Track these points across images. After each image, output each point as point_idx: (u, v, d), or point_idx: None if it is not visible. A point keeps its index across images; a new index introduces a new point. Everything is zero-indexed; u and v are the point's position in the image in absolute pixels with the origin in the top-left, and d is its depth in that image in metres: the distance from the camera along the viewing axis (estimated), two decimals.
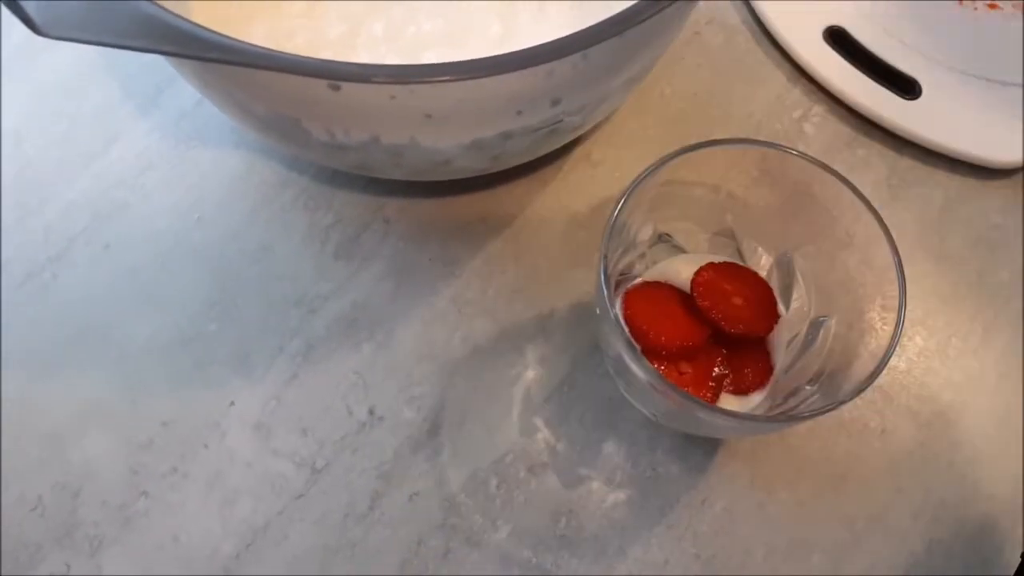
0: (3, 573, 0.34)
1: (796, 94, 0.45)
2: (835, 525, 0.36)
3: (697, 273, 0.34)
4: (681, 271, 0.35)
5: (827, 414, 0.29)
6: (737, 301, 0.34)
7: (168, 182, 0.42)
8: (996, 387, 0.39)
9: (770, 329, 0.34)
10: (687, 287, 0.34)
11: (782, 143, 0.33)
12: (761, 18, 0.47)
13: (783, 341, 0.35)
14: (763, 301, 0.34)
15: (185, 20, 0.25)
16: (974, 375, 0.39)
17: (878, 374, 0.29)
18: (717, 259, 0.35)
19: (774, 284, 0.35)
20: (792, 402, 0.32)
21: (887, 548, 0.36)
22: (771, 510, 0.36)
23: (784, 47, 0.46)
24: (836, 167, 0.32)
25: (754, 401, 0.34)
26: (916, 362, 0.39)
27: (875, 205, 0.31)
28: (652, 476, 0.36)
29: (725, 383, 0.34)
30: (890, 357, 0.29)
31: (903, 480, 0.37)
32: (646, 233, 0.36)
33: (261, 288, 0.39)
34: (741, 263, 0.36)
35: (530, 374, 0.38)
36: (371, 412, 0.37)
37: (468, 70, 0.26)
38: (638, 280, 0.36)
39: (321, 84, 0.26)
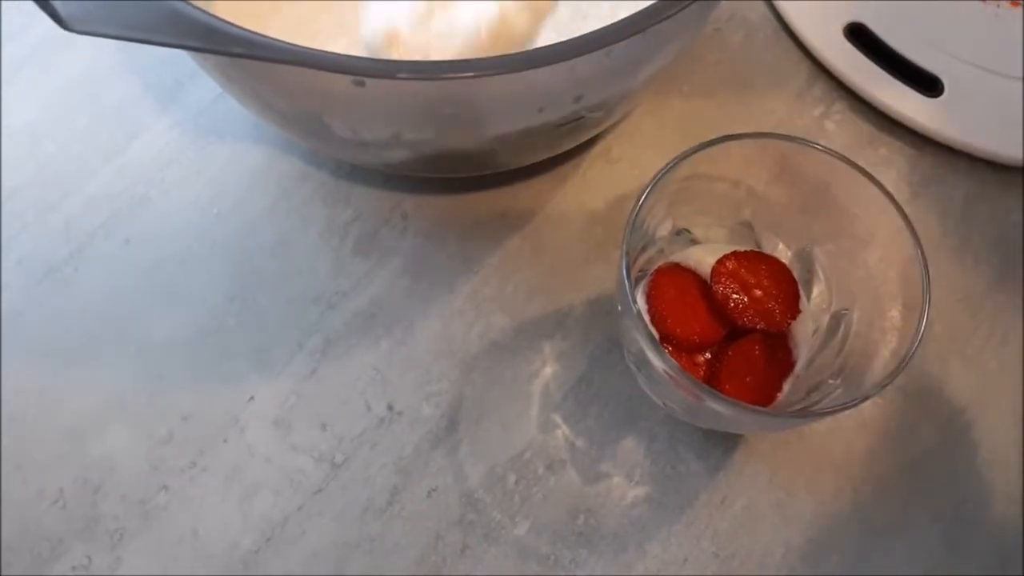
0: (25, 565, 0.34)
1: (817, 91, 0.45)
2: (854, 525, 0.36)
3: (719, 262, 0.34)
4: (708, 260, 0.35)
5: (846, 413, 0.29)
6: (757, 293, 0.34)
7: (187, 177, 0.42)
8: (1016, 387, 0.39)
9: (787, 324, 0.34)
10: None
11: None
12: (782, 15, 0.47)
13: (806, 335, 0.34)
14: (785, 294, 0.34)
15: (209, 15, 0.25)
16: (994, 375, 0.39)
17: (898, 373, 0.29)
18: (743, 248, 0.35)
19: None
20: (814, 397, 0.32)
21: (906, 549, 0.36)
22: (790, 510, 0.36)
23: (805, 44, 0.46)
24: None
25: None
26: (936, 361, 0.39)
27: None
28: (672, 474, 0.36)
29: None
30: (912, 355, 0.29)
31: (923, 480, 0.37)
32: (665, 228, 0.35)
33: (280, 283, 0.40)
34: None
35: (548, 370, 0.38)
36: (390, 407, 0.37)
37: (491, 67, 0.25)
38: (668, 261, 0.36)
39: (345, 80, 0.26)
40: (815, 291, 0.35)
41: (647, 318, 0.34)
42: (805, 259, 0.35)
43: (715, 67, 0.45)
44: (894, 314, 0.31)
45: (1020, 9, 0.45)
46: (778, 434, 0.37)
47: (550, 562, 0.35)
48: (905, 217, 0.30)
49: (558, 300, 0.40)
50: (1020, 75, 0.44)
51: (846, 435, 0.37)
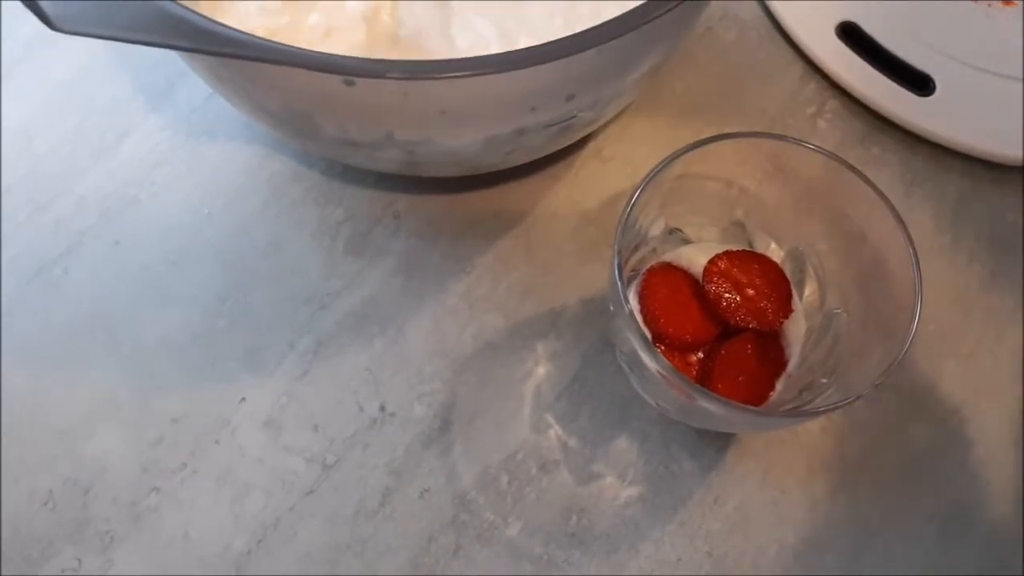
0: (15, 567, 0.34)
1: (809, 90, 0.45)
2: (848, 524, 0.36)
3: (711, 261, 0.34)
4: (700, 259, 0.35)
5: (839, 412, 0.29)
6: (750, 293, 0.34)
7: (178, 177, 0.42)
8: (1009, 385, 0.39)
9: (779, 323, 0.34)
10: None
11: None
12: (774, 14, 0.47)
13: (798, 334, 0.34)
14: (778, 293, 0.34)
15: (198, 14, 0.25)
16: (987, 373, 0.39)
17: (891, 371, 0.29)
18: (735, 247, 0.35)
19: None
20: (807, 396, 0.32)
21: (900, 548, 0.36)
22: (784, 509, 0.36)
23: (797, 43, 0.46)
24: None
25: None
26: (929, 360, 0.39)
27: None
28: (664, 474, 0.36)
29: None
30: (904, 354, 0.29)
31: (916, 479, 0.37)
32: (658, 228, 0.35)
33: (272, 284, 0.39)
34: None
35: (541, 370, 0.38)
36: (382, 408, 0.37)
37: (482, 66, 0.25)
38: (659, 261, 0.36)
39: (335, 79, 0.26)
40: (807, 290, 0.35)
41: (639, 318, 0.34)
42: (797, 258, 0.35)
43: (707, 66, 0.45)
44: (886, 313, 0.31)
45: (1012, 8, 0.45)
46: (771, 433, 0.37)
47: (543, 562, 0.35)
48: (897, 216, 0.30)
49: (551, 300, 0.39)
50: (1012, 73, 0.44)
51: (839, 434, 0.37)
